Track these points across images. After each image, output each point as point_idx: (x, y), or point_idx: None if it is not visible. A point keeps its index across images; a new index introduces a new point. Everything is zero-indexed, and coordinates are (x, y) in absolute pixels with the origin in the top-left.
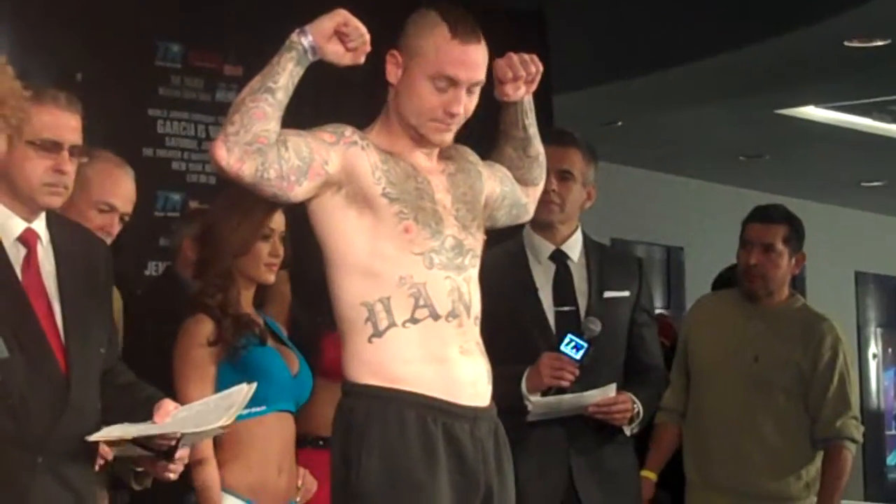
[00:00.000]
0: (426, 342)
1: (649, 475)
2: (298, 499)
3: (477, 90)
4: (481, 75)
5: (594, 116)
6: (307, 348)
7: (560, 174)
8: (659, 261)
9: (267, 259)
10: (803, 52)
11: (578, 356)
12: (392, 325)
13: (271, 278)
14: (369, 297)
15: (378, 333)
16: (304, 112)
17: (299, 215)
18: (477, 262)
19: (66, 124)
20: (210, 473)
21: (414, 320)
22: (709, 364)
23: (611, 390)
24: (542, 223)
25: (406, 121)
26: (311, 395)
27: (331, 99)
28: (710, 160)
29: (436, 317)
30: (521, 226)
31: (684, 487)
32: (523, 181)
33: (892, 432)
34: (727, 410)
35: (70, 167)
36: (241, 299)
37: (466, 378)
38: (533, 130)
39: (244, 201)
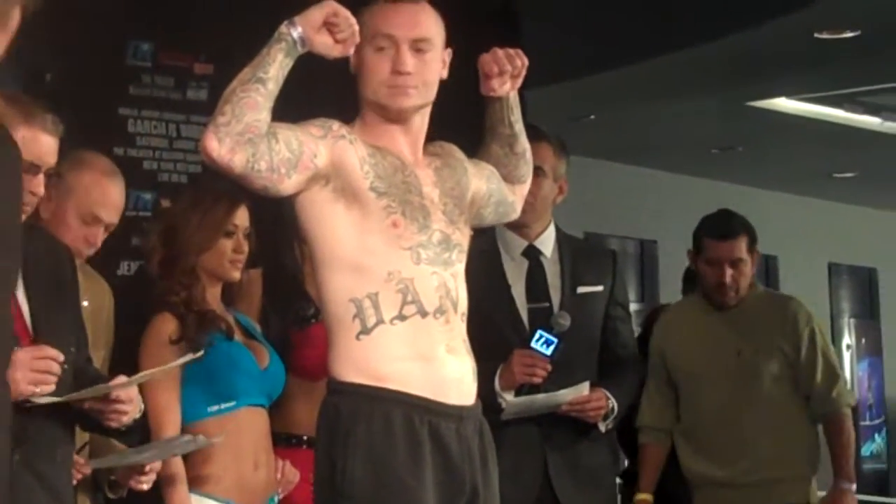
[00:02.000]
0: (413, 340)
1: (646, 498)
2: (280, 491)
3: (429, 52)
4: (422, 32)
5: (567, 110)
6: (278, 347)
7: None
8: (632, 254)
9: (230, 256)
10: (774, 43)
11: (549, 352)
12: (380, 321)
13: (236, 275)
14: (357, 292)
15: (366, 331)
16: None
17: (270, 214)
18: (464, 258)
19: (48, 149)
20: (180, 492)
21: (402, 317)
22: (694, 371)
23: (584, 388)
24: (514, 223)
25: (368, 100)
26: (284, 393)
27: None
28: (683, 153)
29: (423, 313)
30: None
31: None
32: (510, 179)
33: (867, 423)
34: (723, 408)
35: (42, 189)
36: (206, 296)
37: (452, 377)
38: (519, 127)
39: (206, 198)
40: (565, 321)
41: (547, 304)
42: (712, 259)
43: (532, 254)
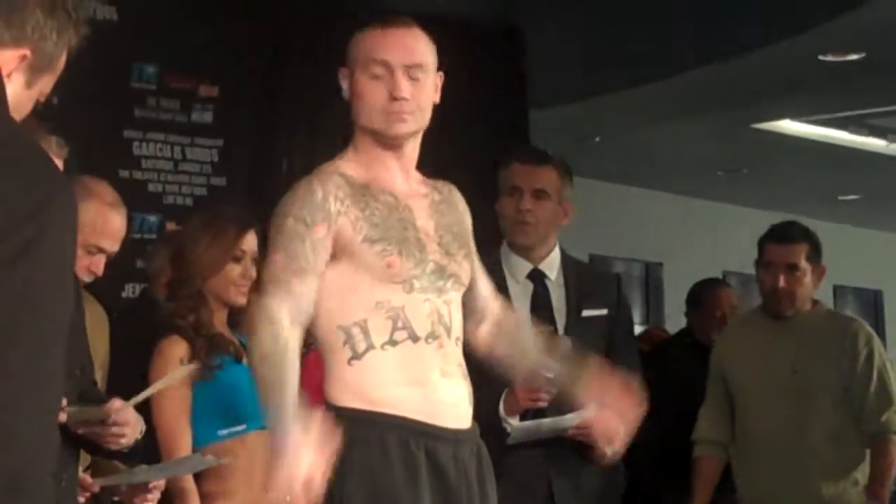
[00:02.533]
0: (406, 365)
1: None
2: None
3: (423, 78)
4: (416, 58)
5: (572, 132)
6: None
7: (535, 193)
8: (637, 276)
9: (238, 281)
10: (779, 66)
11: (552, 375)
12: (370, 347)
13: (242, 300)
14: (345, 320)
15: (357, 356)
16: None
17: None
18: (460, 288)
19: None
20: None
21: (392, 342)
22: (749, 385)
23: (589, 413)
24: (519, 246)
25: (364, 127)
26: None
27: None
28: (688, 175)
29: (415, 339)
30: (498, 243)
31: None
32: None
33: None
34: (775, 426)
35: None
36: (213, 319)
37: (448, 400)
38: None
39: (216, 222)
40: (566, 345)
41: (552, 328)
42: (769, 263)
43: (537, 277)
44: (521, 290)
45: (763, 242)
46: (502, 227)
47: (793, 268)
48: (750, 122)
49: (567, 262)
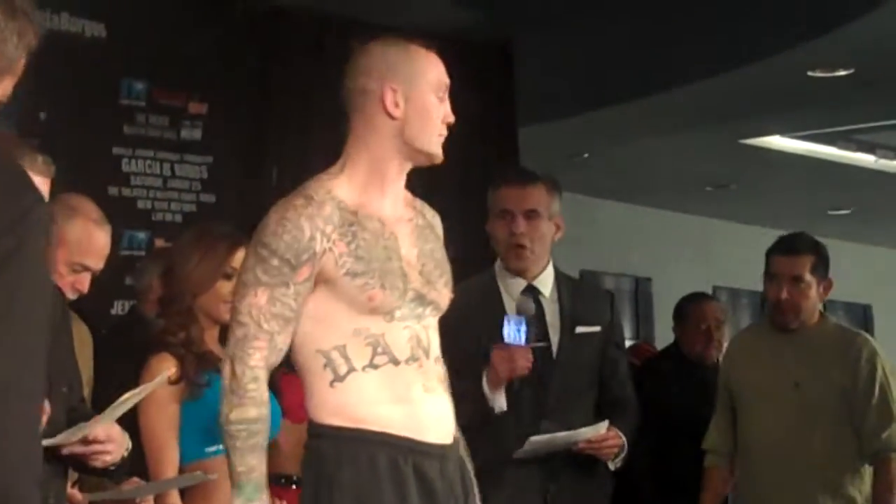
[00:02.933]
0: (389, 384)
1: None
2: None
3: None
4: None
5: (561, 148)
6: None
7: (526, 214)
8: (627, 291)
9: (228, 298)
10: (767, 82)
11: (522, 338)
12: (352, 370)
13: None
14: (323, 344)
15: (339, 378)
16: None
17: None
18: (438, 314)
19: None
20: None
21: (374, 366)
22: (751, 397)
23: (603, 427)
24: (515, 269)
25: (414, 146)
26: None
27: None
28: (677, 191)
29: (395, 362)
30: (492, 258)
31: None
32: None
33: None
34: (776, 440)
35: None
36: (204, 337)
37: (432, 416)
38: None
39: (206, 239)
40: (528, 306)
41: (546, 344)
42: (773, 274)
43: (531, 293)
44: (508, 306)
45: (769, 254)
46: (496, 249)
47: (797, 280)
48: (739, 137)
49: (560, 278)
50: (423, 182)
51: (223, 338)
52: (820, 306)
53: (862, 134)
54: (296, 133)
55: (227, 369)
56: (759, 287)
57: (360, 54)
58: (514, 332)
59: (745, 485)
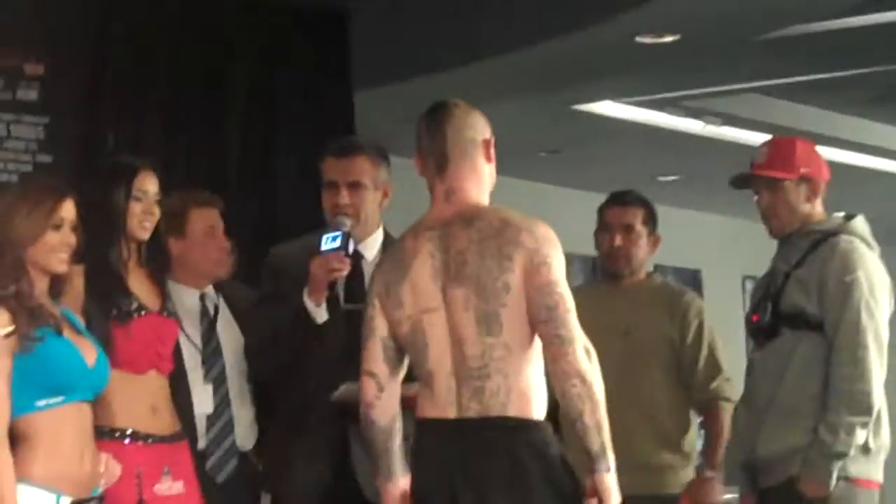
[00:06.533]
0: None
1: None
2: (103, 483)
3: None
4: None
5: (396, 113)
6: (101, 341)
7: (350, 185)
8: None
9: (57, 248)
10: (596, 47)
11: (338, 244)
12: None
13: (63, 268)
14: None
15: None
16: None
17: (97, 209)
18: None
19: None
20: (7, 481)
21: None
22: None
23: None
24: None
25: None
26: (108, 386)
27: None
28: (511, 156)
29: None
30: (322, 222)
31: None
32: None
33: None
34: (607, 388)
35: None
36: (34, 290)
37: None
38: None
39: (33, 191)
40: (344, 220)
41: (363, 305)
42: (606, 224)
43: (354, 257)
44: None
45: (602, 208)
46: (326, 212)
47: (629, 229)
48: (570, 103)
49: (388, 244)
50: (260, 147)
51: (53, 290)
52: (650, 265)
53: (689, 100)
54: (133, 94)
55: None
56: (592, 251)
57: None
58: (329, 241)
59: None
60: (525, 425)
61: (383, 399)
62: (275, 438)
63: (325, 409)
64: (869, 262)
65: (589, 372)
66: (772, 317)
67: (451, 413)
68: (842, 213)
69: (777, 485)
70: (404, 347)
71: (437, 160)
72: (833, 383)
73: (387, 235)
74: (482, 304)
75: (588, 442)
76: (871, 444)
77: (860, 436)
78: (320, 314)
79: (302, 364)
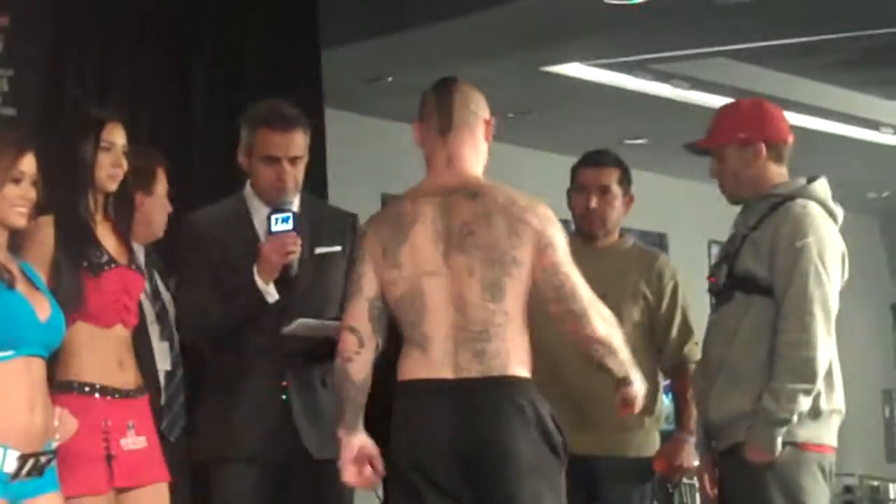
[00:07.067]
0: None
1: None
2: (58, 436)
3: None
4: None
5: (364, 72)
6: (69, 293)
7: (291, 160)
8: None
9: (17, 202)
10: (564, 8)
11: (291, 226)
12: None
13: (22, 222)
14: None
15: None
16: None
17: (67, 161)
18: None
19: None
20: None
21: None
22: None
23: None
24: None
25: None
26: (74, 340)
27: None
28: None
29: None
30: (241, 185)
31: None
32: None
33: None
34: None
35: None
36: None
37: None
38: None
39: None
40: (288, 199)
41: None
42: (581, 185)
43: (269, 217)
44: (262, 231)
45: (576, 168)
46: (256, 183)
47: (604, 190)
48: (539, 64)
49: (307, 203)
50: (225, 104)
51: (11, 244)
52: (621, 221)
53: (657, 63)
54: (99, 45)
55: None
56: (560, 213)
57: None
58: (280, 222)
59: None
60: (523, 383)
61: (363, 355)
62: (209, 401)
63: (262, 371)
64: (822, 227)
65: (608, 335)
66: (726, 279)
67: (448, 374)
68: (803, 178)
69: (726, 449)
70: (395, 308)
71: (441, 125)
72: (778, 349)
73: (304, 196)
74: (488, 272)
75: (618, 374)
76: (824, 407)
77: (803, 403)
78: (271, 293)
79: (240, 331)
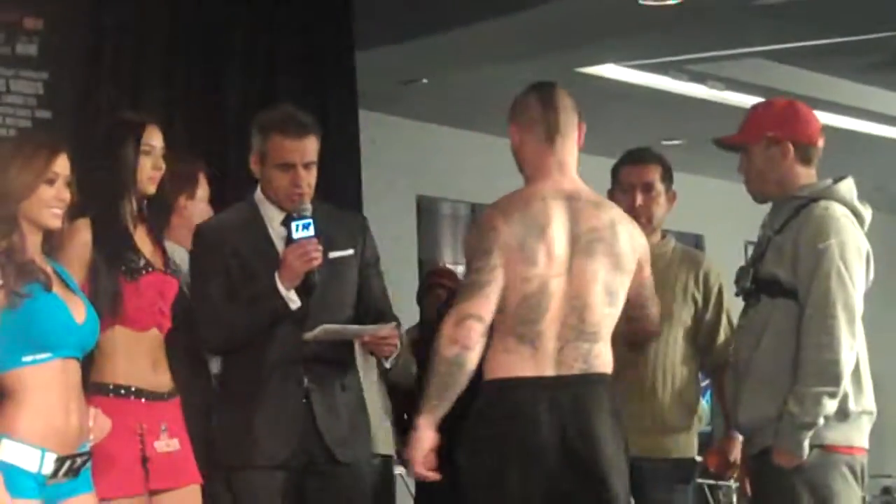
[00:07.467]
0: None
1: None
2: (92, 437)
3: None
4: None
5: (399, 73)
6: (108, 297)
7: (305, 166)
8: (464, 217)
9: (51, 203)
10: (600, 9)
11: (312, 233)
12: None
13: (56, 223)
14: None
15: None
16: None
17: (108, 164)
18: None
19: None
20: None
21: None
22: None
23: (389, 326)
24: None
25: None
26: (111, 343)
27: None
28: None
29: None
30: (252, 190)
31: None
32: None
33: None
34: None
35: None
36: (26, 245)
37: None
38: None
39: (26, 146)
40: (306, 206)
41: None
42: (625, 184)
43: (288, 223)
44: (277, 235)
45: (617, 167)
46: (271, 187)
47: (648, 187)
48: (573, 65)
49: (317, 208)
50: (259, 107)
51: (46, 246)
52: (665, 218)
53: (693, 64)
54: (132, 49)
55: None
56: None
57: None
58: (300, 229)
59: None
60: (611, 380)
61: (482, 345)
62: (229, 409)
63: (282, 376)
64: (844, 228)
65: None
66: (752, 283)
67: (550, 371)
68: (830, 178)
69: (756, 452)
70: (516, 305)
71: (549, 131)
72: (802, 353)
73: (315, 201)
74: (611, 278)
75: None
76: (852, 409)
77: (829, 405)
78: (293, 300)
79: (260, 338)
